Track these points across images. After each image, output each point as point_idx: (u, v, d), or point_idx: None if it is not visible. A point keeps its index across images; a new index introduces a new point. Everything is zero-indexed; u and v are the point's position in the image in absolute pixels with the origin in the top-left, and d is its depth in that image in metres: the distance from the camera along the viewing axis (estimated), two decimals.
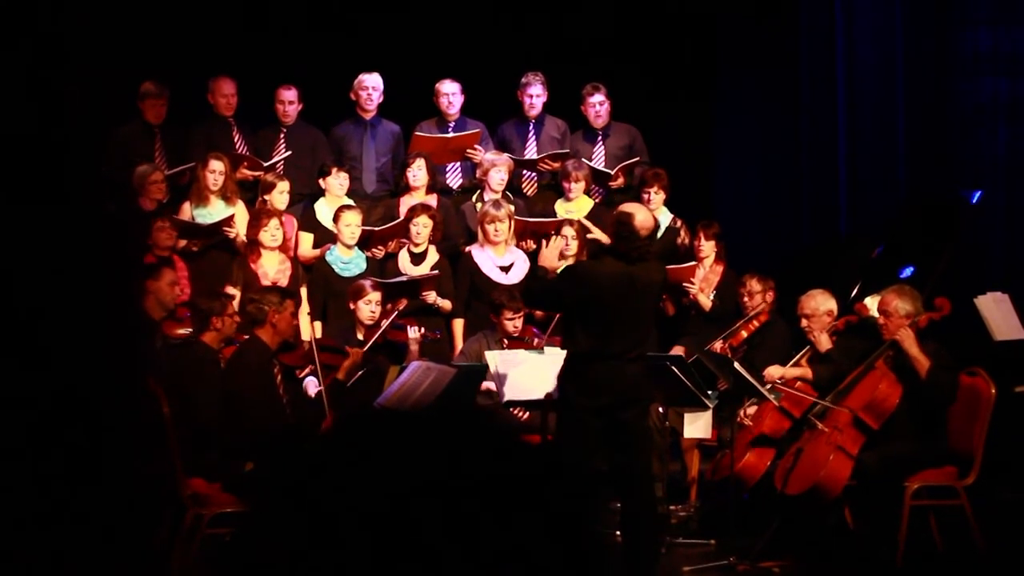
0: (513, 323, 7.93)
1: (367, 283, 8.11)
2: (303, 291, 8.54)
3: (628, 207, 6.57)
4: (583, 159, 9.36)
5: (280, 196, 8.85)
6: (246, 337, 7.05)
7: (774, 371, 7.33)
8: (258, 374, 6.73)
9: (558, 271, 6.64)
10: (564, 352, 6.47)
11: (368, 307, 8.00)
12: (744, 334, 8.03)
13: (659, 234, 8.88)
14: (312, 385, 7.36)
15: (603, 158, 9.48)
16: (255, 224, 8.46)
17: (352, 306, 8.06)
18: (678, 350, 8.30)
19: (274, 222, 8.44)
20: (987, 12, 9.74)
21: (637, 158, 9.37)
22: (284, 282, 8.35)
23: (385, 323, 8.03)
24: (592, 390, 6.20)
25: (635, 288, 6.23)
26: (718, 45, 10.53)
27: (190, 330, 7.50)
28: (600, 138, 9.56)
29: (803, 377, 7.30)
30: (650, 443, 6.95)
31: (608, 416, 6.20)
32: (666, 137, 9.70)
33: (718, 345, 8.02)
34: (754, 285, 8.09)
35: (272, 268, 8.44)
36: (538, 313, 8.39)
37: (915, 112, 9.76)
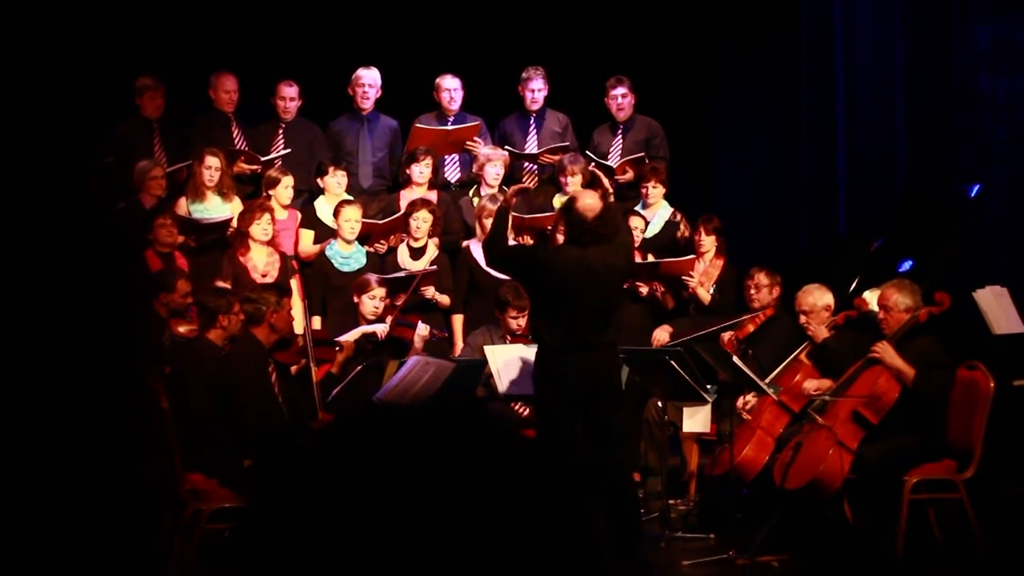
0: (517, 322, 7.95)
1: (372, 278, 8.13)
2: (294, 285, 8.49)
3: (574, 193, 6.62)
4: (602, 151, 9.41)
5: (285, 191, 8.86)
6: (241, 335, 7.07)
7: (810, 385, 7.27)
8: (254, 372, 6.74)
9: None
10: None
11: (372, 302, 8.03)
12: (751, 327, 8.03)
13: (651, 225, 8.93)
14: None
15: (620, 151, 9.49)
16: (247, 217, 8.45)
17: (356, 300, 8.08)
18: (661, 331, 8.36)
19: (266, 216, 8.42)
20: (987, 9, 9.73)
21: (641, 153, 9.38)
22: (274, 275, 8.35)
23: (390, 319, 8.04)
24: (562, 383, 6.19)
25: (594, 272, 6.21)
26: (718, 43, 10.53)
27: (194, 327, 7.54)
28: (620, 131, 9.57)
29: (824, 390, 7.23)
30: (625, 439, 6.99)
31: (581, 411, 6.19)
32: (667, 133, 9.70)
33: (726, 336, 8.04)
34: (762, 279, 8.08)
35: (261, 262, 8.43)
36: None
37: (915, 111, 9.75)
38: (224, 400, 6.63)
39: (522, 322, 7.96)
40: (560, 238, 8.43)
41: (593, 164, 9.33)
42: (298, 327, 7.77)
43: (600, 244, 6.26)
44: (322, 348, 7.46)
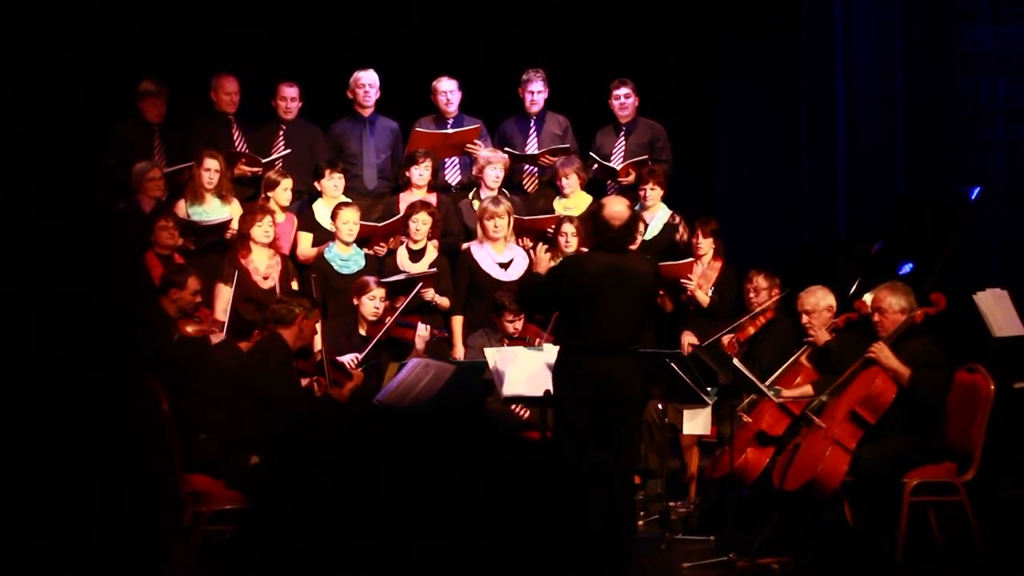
0: (513, 325, 7.95)
1: (371, 279, 8.14)
2: (295, 287, 8.47)
3: (603, 200, 6.64)
4: (604, 152, 9.40)
5: (284, 193, 8.85)
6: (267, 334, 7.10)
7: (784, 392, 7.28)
8: (279, 367, 6.78)
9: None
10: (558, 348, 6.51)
11: (372, 303, 8.03)
12: (751, 330, 8.02)
13: (649, 228, 8.93)
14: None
15: (623, 153, 9.48)
16: (248, 219, 8.44)
17: (356, 302, 8.08)
18: (688, 336, 8.33)
19: (267, 219, 8.41)
20: (987, 8, 9.73)
21: (645, 156, 9.37)
22: (275, 278, 8.35)
23: (390, 320, 8.04)
24: (583, 384, 6.21)
25: (623, 278, 6.24)
26: (718, 44, 10.53)
27: (203, 328, 7.57)
28: (623, 133, 9.56)
29: (804, 395, 7.27)
30: (637, 445, 7.01)
31: (598, 412, 6.20)
32: (667, 134, 9.69)
33: (726, 339, 8.03)
34: (760, 282, 8.08)
35: (263, 264, 8.42)
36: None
37: (914, 111, 9.75)
38: (244, 397, 6.64)
39: (518, 325, 7.97)
40: (562, 240, 8.45)
41: (596, 166, 9.33)
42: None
43: (625, 251, 6.29)
44: (334, 369, 7.49)
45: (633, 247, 6.71)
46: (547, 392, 6.85)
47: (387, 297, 8.16)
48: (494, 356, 7.34)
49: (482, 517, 1.33)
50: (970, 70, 9.69)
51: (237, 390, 6.70)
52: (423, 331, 8.10)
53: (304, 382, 7.45)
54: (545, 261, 6.77)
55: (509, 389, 7.20)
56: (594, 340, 6.23)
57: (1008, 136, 9.64)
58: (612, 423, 6.25)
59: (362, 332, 8.05)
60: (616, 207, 6.37)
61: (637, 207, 9.05)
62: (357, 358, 7.77)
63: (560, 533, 1.38)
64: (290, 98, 9.36)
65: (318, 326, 7.65)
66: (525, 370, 7.16)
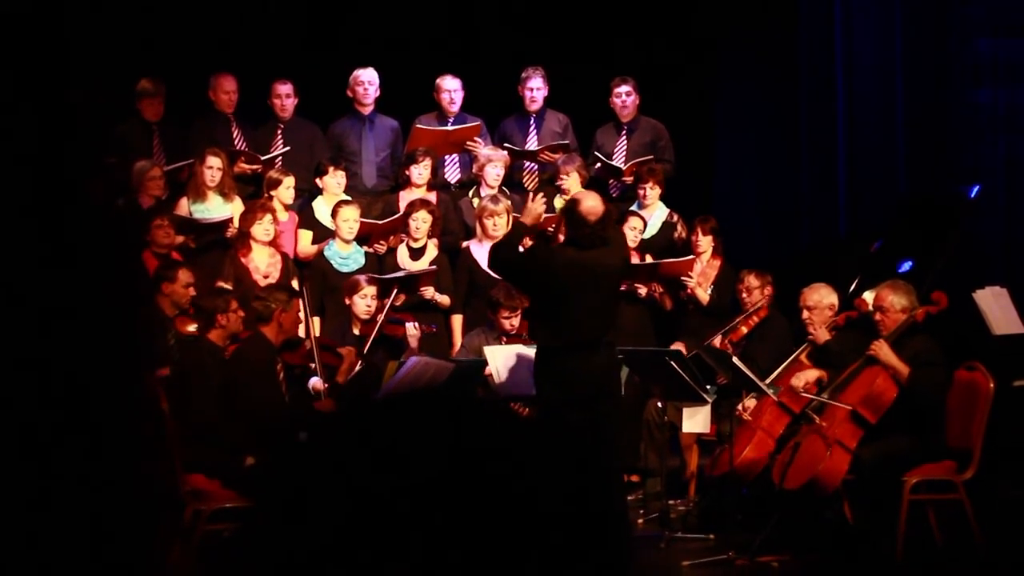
0: (510, 321, 7.95)
1: (362, 278, 8.13)
2: (295, 285, 8.47)
3: (576, 194, 6.65)
4: (606, 151, 9.39)
5: (287, 192, 8.85)
6: (250, 333, 7.09)
7: (797, 381, 7.23)
8: (264, 369, 6.77)
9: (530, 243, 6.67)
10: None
11: (363, 302, 8.02)
12: (744, 330, 8.03)
13: (648, 227, 8.93)
14: (318, 383, 7.36)
15: (624, 153, 9.48)
16: (248, 217, 8.44)
17: (348, 301, 8.07)
18: (678, 347, 8.30)
19: (268, 217, 8.41)
20: (986, 11, 9.73)
21: (650, 156, 9.36)
22: (276, 276, 8.35)
23: (380, 318, 8.03)
24: (565, 382, 6.23)
25: (593, 274, 6.27)
26: (718, 44, 10.53)
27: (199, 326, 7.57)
28: (624, 132, 9.55)
29: (822, 378, 7.25)
30: (636, 442, 7.01)
31: (582, 409, 6.22)
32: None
33: (717, 341, 8.02)
34: (752, 281, 8.09)
35: (263, 262, 8.41)
36: None
37: (914, 111, 9.75)
38: (229, 399, 6.64)
39: (515, 322, 7.96)
40: (562, 239, 8.44)
41: (598, 165, 9.32)
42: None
43: (600, 247, 6.31)
44: (328, 353, 7.48)
45: (615, 243, 6.68)
46: None
47: (384, 295, 8.16)
48: (492, 354, 7.34)
49: (481, 514, 1.34)
50: (969, 68, 9.68)
51: (224, 390, 6.70)
52: (412, 329, 8.09)
53: (315, 366, 7.42)
54: (536, 210, 6.71)
55: (507, 387, 7.20)
56: (570, 337, 6.24)
57: (1008, 132, 9.63)
58: (600, 419, 6.26)
59: (355, 331, 8.04)
60: (591, 202, 6.40)
61: (635, 206, 9.07)
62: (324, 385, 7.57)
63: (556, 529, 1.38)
64: (284, 95, 9.35)
65: (301, 314, 7.59)
66: (522, 367, 7.16)
